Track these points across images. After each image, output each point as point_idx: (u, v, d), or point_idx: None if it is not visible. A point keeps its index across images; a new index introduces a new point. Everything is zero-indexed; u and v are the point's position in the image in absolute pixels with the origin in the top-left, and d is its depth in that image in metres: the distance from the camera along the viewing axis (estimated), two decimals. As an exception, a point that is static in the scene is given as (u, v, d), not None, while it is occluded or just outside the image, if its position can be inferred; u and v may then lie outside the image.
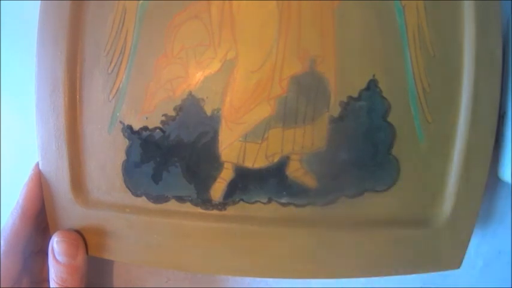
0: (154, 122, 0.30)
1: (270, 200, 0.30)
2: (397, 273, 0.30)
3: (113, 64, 0.30)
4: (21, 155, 0.35)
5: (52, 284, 0.30)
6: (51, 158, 0.31)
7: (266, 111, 0.29)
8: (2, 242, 0.30)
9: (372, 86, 0.28)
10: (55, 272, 0.30)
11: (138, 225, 0.31)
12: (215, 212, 0.30)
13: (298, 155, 0.29)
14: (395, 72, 0.28)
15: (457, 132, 0.28)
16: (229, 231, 0.30)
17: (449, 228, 0.29)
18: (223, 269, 0.31)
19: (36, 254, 0.33)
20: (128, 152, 0.30)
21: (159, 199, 0.31)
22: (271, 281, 0.35)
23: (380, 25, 0.28)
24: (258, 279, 0.35)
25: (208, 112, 0.29)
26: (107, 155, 0.30)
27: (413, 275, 0.34)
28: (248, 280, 0.36)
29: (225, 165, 0.30)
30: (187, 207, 0.30)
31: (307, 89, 0.29)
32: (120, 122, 0.30)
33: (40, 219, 0.32)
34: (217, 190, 0.30)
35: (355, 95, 0.28)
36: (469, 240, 0.29)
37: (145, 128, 0.30)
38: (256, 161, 0.29)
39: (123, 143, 0.30)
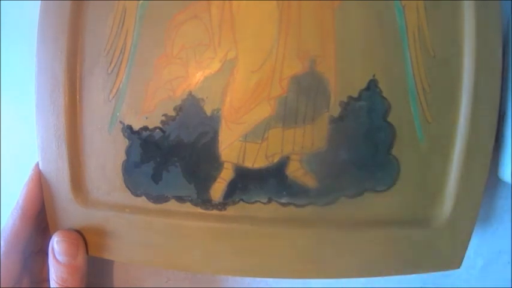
0: (154, 122, 0.30)
1: (270, 200, 0.30)
2: (397, 273, 0.30)
3: (113, 64, 0.30)
4: (21, 155, 0.35)
5: (52, 284, 0.30)
6: (51, 158, 0.31)
7: (266, 111, 0.29)
8: (2, 242, 0.30)
9: (372, 86, 0.28)
10: (55, 272, 0.30)
11: (138, 225, 0.31)
12: (215, 212, 0.30)
13: (298, 155, 0.29)
14: (395, 72, 0.28)
15: (457, 132, 0.28)
16: (229, 231, 0.30)
17: (449, 228, 0.29)
18: (223, 269, 0.31)
19: (36, 254, 0.33)
20: (128, 152, 0.30)
21: (159, 199, 0.31)
22: (271, 281, 0.35)
23: (380, 25, 0.28)
24: (258, 279, 0.35)
25: (208, 112, 0.29)
26: (106, 155, 0.30)
27: (413, 275, 0.34)
28: (248, 280, 0.36)
29: (225, 165, 0.30)
30: (187, 207, 0.30)
31: (307, 89, 0.29)
32: (120, 122, 0.30)
33: (40, 219, 0.32)
34: (217, 190, 0.30)
35: (355, 95, 0.28)
36: (469, 240, 0.29)
37: (145, 128, 0.30)
38: (256, 161, 0.29)
39: (123, 143, 0.30)
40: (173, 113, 0.30)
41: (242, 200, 0.30)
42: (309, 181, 0.29)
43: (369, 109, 0.29)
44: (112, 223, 0.31)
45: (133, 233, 0.31)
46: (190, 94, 0.29)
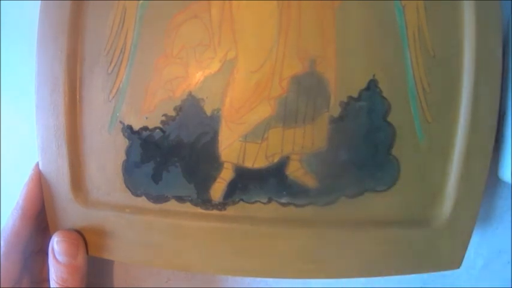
0: (154, 122, 0.30)
1: (270, 200, 0.30)
2: (397, 273, 0.30)
3: (113, 64, 0.30)
4: (21, 155, 0.35)
5: (52, 284, 0.30)
6: (51, 158, 0.31)
7: (266, 111, 0.29)
8: (2, 242, 0.30)
9: (372, 86, 0.28)
10: (55, 272, 0.30)
11: (138, 225, 0.31)
12: (215, 212, 0.30)
13: (298, 155, 0.29)
14: (395, 72, 0.28)
15: (457, 132, 0.28)
16: (229, 231, 0.30)
17: (449, 228, 0.29)
18: (223, 269, 0.31)
19: (36, 254, 0.33)
20: (128, 152, 0.30)
21: (159, 199, 0.31)
22: (271, 281, 0.35)
23: (380, 25, 0.28)
24: (258, 279, 0.35)
25: (208, 112, 0.29)
26: (107, 155, 0.30)
27: (413, 275, 0.34)
28: (248, 280, 0.36)
29: (225, 165, 0.30)
30: (187, 207, 0.30)
31: (308, 89, 0.29)
32: (120, 122, 0.30)
33: (40, 219, 0.32)
34: (217, 190, 0.30)
35: (355, 95, 0.28)
36: (469, 240, 0.29)
37: (145, 128, 0.30)
38: (256, 161, 0.29)
39: (123, 143, 0.30)
40: (173, 113, 0.30)
41: (242, 200, 0.30)
42: (309, 181, 0.29)
43: (369, 109, 0.29)
44: (112, 223, 0.31)
45: (133, 233, 0.31)
46: (190, 94, 0.29)
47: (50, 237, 0.31)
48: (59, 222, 0.31)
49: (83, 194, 0.31)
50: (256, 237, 0.30)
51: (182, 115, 0.30)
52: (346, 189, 0.29)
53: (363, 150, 0.29)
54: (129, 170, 0.30)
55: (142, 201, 0.31)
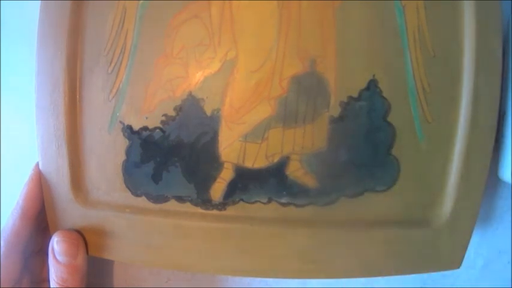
0: (154, 122, 0.30)
1: (270, 200, 0.30)
2: (397, 273, 0.30)
3: (113, 64, 0.30)
4: (21, 155, 0.35)
5: (52, 284, 0.30)
6: (51, 158, 0.31)
7: (266, 111, 0.29)
8: (2, 242, 0.30)
9: (372, 86, 0.28)
10: (55, 272, 0.30)
11: (138, 225, 0.31)
12: (215, 212, 0.30)
13: (298, 155, 0.29)
14: (395, 72, 0.28)
15: (457, 132, 0.28)
16: (229, 231, 0.30)
17: (449, 228, 0.29)
18: (223, 269, 0.31)
19: (36, 254, 0.33)
20: (128, 152, 0.30)
21: (159, 199, 0.31)
22: (271, 281, 0.35)
23: (380, 25, 0.28)
24: (258, 279, 0.35)
25: (208, 112, 0.29)
26: (106, 155, 0.30)
27: (413, 275, 0.34)
28: (248, 280, 0.36)
29: (225, 165, 0.30)
30: (187, 207, 0.30)
31: (308, 89, 0.29)
32: (120, 122, 0.30)
33: (40, 219, 0.32)
34: (217, 190, 0.30)
35: (355, 95, 0.28)
36: (469, 240, 0.29)
37: (145, 128, 0.30)
38: (256, 161, 0.29)
39: (123, 143, 0.30)
40: (173, 113, 0.30)
41: (242, 200, 0.30)
42: (309, 181, 0.29)
43: (369, 109, 0.29)
44: (112, 223, 0.31)
45: (133, 233, 0.31)
46: (190, 94, 0.29)
47: (50, 237, 0.31)
48: (59, 222, 0.31)
49: (83, 194, 0.31)
50: (256, 237, 0.30)
51: (182, 115, 0.30)
52: (346, 189, 0.29)
53: (362, 150, 0.29)
54: (129, 170, 0.30)
55: (142, 201, 0.31)
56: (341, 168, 0.29)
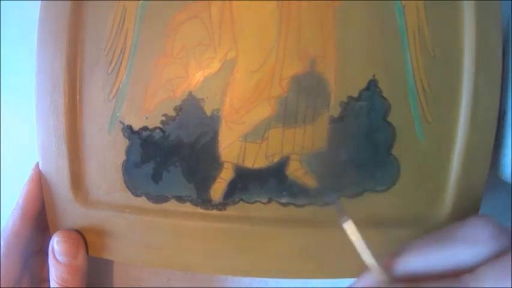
0: (154, 122, 0.30)
1: (270, 200, 0.30)
2: (397, 273, 0.30)
3: (113, 64, 0.30)
4: (21, 155, 0.35)
5: (53, 284, 0.30)
6: (51, 158, 0.31)
7: (266, 111, 0.29)
8: (2, 242, 0.30)
9: (372, 86, 0.28)
10: (55, 272, 0.30)
11: (138, 225, 0.31)
12: (215, 212, 0.30)
13: (298, 155, 0.29)
14: (395, 72, 0.28)
15: (457, 132, 0.28)
16: (229, 231, 0.30)
17: (449, 228, 0.29)
18: (223, 269, 0.31)
19: (36, 254, 0.33)
20: (128, 152, 0.30)
21: (159, 199, 0.31)
22: (271, 281, 0.35)
23: (380, 25, 0.28)
24: (258, 279, 0.35)
25: (208, 112, 0.29)
26: (107, 155, 0.30)
27: (413, 275, 0.34)
28: (248, 280, 0.36)
29: (225, 165, 0.30)
30: (187, 207, 0.30)
31: (308, 89, 0.29)
32: (120, 122, 0.30)
33: (40, 220, 0.32)
34: (217, 190, 0.30)
35: (355, 95, 0.28)
36: (469, 240, 0.29)
37: (145, 128, 0.30)
38: (256, 161, 0.29)
39: (123, 143, 0.30)
40: (173, 113, 0.30)
41: (242, 200, 0.30)
42: (309, 181, 0.29)
43: (369, 109, 0.29)
44: (112, 223, 0.31)
45: (133, 233, 0.31)
46: (190, 94, 0.29)
47: (50, 237, 0.31)
48: (59, 222, 0.31)
49: (83, 194, 0.31)
50: (256, 237, 0.30)
51: (182, 115, 0.30)
52: (346, 189, 0.29)
53: (363, 150, 0.29)
54: (129, 170, 0.30)
55: (142, 201, 0.31)
56: (341, 168, 0.29)
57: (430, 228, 0.29)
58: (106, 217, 0.31)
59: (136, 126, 0.30)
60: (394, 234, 0.29)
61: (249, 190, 0.30)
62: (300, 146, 0.29)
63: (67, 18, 0.30)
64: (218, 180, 0.30)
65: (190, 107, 0.29)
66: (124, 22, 0.30)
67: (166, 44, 0.29)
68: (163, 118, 0.30)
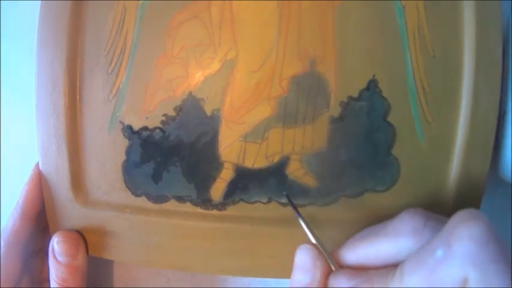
0: (154, 122, 0.30)
1: (270, 200, 0.30)
2: (397, 273, 0.30)
3: (113, 64, 0.30)
4: (21, 155, 0.35)
5: (53, 284, 0.30)
6: (51, 158, 0.31)
7: (266, 111, 0.29)
8: (2, 242, 0.31)
9: (371, 86, 0.28)
10: (55, 272, 0.30)
11: (138, 225, 0.31)
12: (215, 212, 0.30)
13: (298, 155, 0.29)
14: (395, 72, 0.28)
15: (457, 132, 0.28)
16: (229, 231, 0.30)
17: (449, 228, 0.29)
18: (223, 269, 0.31)
19: (36, 254, 0.33)
20: (128, 152, 0.30)
21: (159, 199, 0.31)
22: (271, 281, 0.35)
23: (380, 25, 0.28)
24: (258, 279, 0.35)
25: (208, 112, 0.29)
26: (107, 155, 0.30)
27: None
28: (248, 280, 0.36)
29: (225, 165, 0.30)
30: (187, 207, 0.30)
31: (308, 89, 0.29)
32: (120, 122, 0.30)
33: (40, 220, 0.32)
34: (217, 190, 0.30)
35: (355, 95, 0.28)
36: (469, 240, 0.29)
37: (145, 128, 0.30)
38: (256, 161, 0.29)
39: (123, 143, 0.30)
40: (173, 113, 0.30)
41: (242, 200, 0.30)
42: (309, 181, 0.29)
43: (369, 109, 0.29)
44: (112, 223, 0.31)
45: (133, 233, 0.31)
46: (190, 94, 0.29)
47: (50, 238, 0.31)
48: (59, 222, 0.31)
49: (83, 194, 0.31)
50: (256, 237, 0.30)
51: (182, 115, 0.30)
52: (346, 189, 0.29)
53: (363, 150, 0.29)
54: (129, 170, 0.30)
55: (142, 201, 0.31)
56: (341, 168, 0.29)
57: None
58: (106, 217, 0.31)
59: (136, 126, 0.30)
60: (394, 234, 0.29)
61: (249, 190, 0.30)
62: (300, 146, 0.29)
63: (67, 18, 0.30)
64: (218, 180, 0.30)
65: (190, 107, 0.29)
66: (124, 22, 0.30)
67: (166, 44, 0.29)
68: (164, 118, 0.30)
